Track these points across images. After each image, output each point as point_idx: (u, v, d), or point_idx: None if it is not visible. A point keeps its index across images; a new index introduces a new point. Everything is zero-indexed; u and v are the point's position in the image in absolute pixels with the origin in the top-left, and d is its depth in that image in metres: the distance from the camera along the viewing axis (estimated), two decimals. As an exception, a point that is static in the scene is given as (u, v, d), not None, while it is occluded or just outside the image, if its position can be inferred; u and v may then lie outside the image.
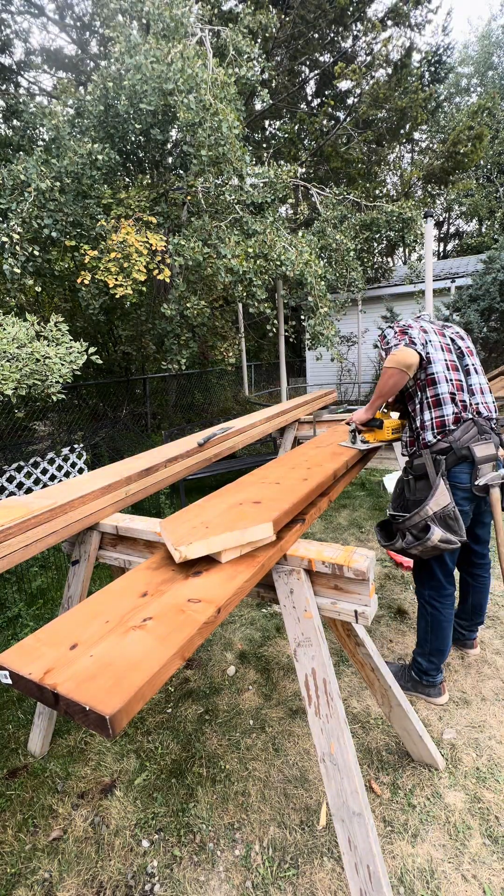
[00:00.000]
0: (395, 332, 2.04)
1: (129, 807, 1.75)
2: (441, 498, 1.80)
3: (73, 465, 4.73)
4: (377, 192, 11.44)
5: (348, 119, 11.16)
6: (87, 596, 1.93)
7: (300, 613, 1.34)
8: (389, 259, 14.86)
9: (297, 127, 11.31)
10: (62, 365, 3.12)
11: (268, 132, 12.39)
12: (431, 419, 1.93)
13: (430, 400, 1.95)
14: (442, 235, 20.23)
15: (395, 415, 2.36)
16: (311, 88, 12.40)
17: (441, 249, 20.15)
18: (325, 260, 7.13)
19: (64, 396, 3.27)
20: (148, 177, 5.91)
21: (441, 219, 19.68)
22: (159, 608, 1.05)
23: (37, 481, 4.34)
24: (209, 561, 1.27)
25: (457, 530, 1.80)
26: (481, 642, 2.47)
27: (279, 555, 1.34)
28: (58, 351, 3.15)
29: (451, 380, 1.94)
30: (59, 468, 4.56)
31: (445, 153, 10.79)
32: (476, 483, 1.87)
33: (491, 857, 1.49)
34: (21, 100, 5.59)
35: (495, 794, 1.68)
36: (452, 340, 2.06)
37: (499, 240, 10.81)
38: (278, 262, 5.04)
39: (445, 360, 1.97)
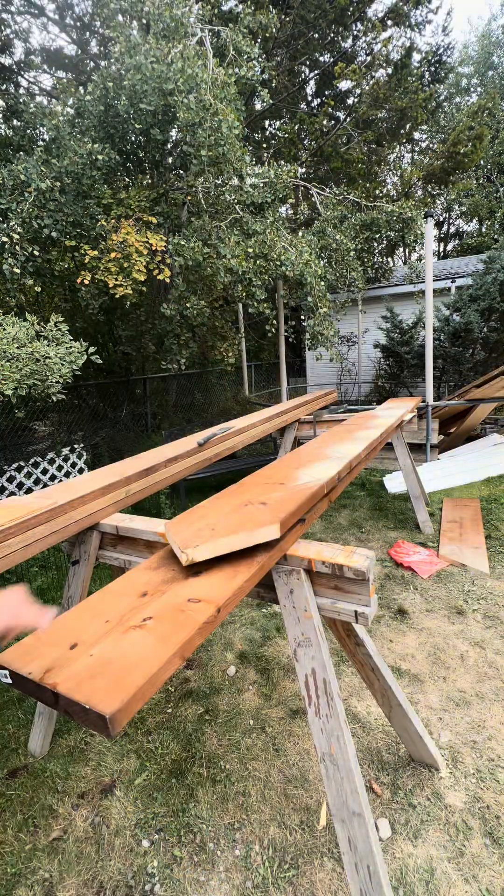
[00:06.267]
0: None
1: (129, 807, 1.75)
2: None
3: (73, 465, 4.73)
4: (377, 192, 11.43)
5: (348, 119, 11.16)
6: (87, 596, 1.93)
7: (300, 613, 1.34)
8: (389, 259, 14.84)
9: (297, 127, 11.31)
10: (62, 365, 3.12)
11: (268, 132, 12.38)
12: None
13: None
14: (442, 235, 20.22)
15: None
16: (311, 88, 12.39)
17: (441, 249, 20.15)
18: (325, 260, 7.13)
19: (64, 396, 3.27)
20: (148, 177, 5.91)
21: (441, 219, 19.68)
22: (159, 608, 1.05)
23: (37, 481, 4.34)
24: (209, 560, 1.26)
25: None
26: (482, 642, 2.47)
27: (279, 555, 1.34)
28: (58, 351, 3.15)
29: None
30: (59, 468, 4.56)
31: (445, 153, 10.79)
32: None
33: (491, 857, 1.48)
34: (21, 100, 5.59)
35: (495, 794, 1.68)
36: None
37: (499, 240, 10.80)
38: (278, 263, 5.04)
39: None
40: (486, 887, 1.40)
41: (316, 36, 10.42)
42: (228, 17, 8.73)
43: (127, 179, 5.66)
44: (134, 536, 1.72)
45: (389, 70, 10.79)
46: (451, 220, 20.12)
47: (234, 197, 5.42)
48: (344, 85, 11.10)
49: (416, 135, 14.79)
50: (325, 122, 11.00)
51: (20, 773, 1.94)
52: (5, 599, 0.87)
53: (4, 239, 3.86)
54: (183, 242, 4.69)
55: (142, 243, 4.41)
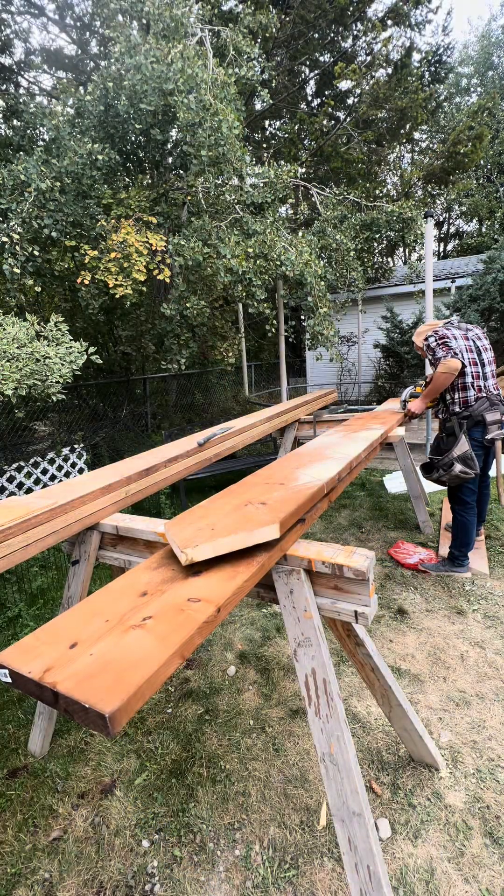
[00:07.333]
0: (438, 345, 2.86)
1: (129, 807, 1.75)
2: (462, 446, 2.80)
3: (73, 465, 4.73)
4: (377, 192, 11.43)
5: (348, 119, 11.16)
6: (87, 596, 1.93)
7: (300, 613, 1.34)
8: (389, 259, 14.86)
9: (297, 127, 11.30)
10: (62, 365, 3.12)
11: (268, 132, 12.38)
12: (459, 398, 2.90)
13: (458, 385, 2.89)
14: (442, 235, 20.22)
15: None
16: (311, 88, 12.39)
17: (441, 249, 20.15)
18: (325, 260, 7.13)
19: (64, 396, 3.27)
20: (148, 177, 5.91)
21: (441, 219, 19.68)
22: (159, 607, 1.05)
23: (37, 481, 4.34)
24: (209, 560, 1.26)
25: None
26: (482, 642, 2.47)
27: (279, 555, 1.34)
28: (58, 351, 3.15)
29: (472, 372, 2.87)
30: (59, 468, 4.56)
31: (445, 153, 10.78)
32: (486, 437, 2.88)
33: (491, 857, 1.48)
34: (21, 100, 5.59)
35: (495, 794, 1.68)
36: (473, 342, 2.92)
37: (499, 240, 10.80)
38: (278, 262, 5.04)
39: (469, 358, 2.88)
40: (487, 887, 1.40)
41: (316, 36, 10.41)
42: (228, 17, 8.73)
43: (127, 179, 5.66)
44: (134, 536, 1.72)
45: (389, 70, 10.79)
46: (451, 220, 20.11)
47: (234, 197, 5.42)
48: (344, 85, 11.09)
49: (416, 135, 14.78)
50: (325, 122, 10.99)
51: (20, 773, 1.94)
52: None
53: (4, 239, 3.86)
54: (183, 242, 4.68)
55: (142, 243, 4.41)
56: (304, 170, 11.14)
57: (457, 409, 2.88)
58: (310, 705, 1.31)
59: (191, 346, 5.58)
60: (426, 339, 2.97)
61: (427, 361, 3.04)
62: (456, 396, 2.89)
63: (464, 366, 2.82)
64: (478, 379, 2.86)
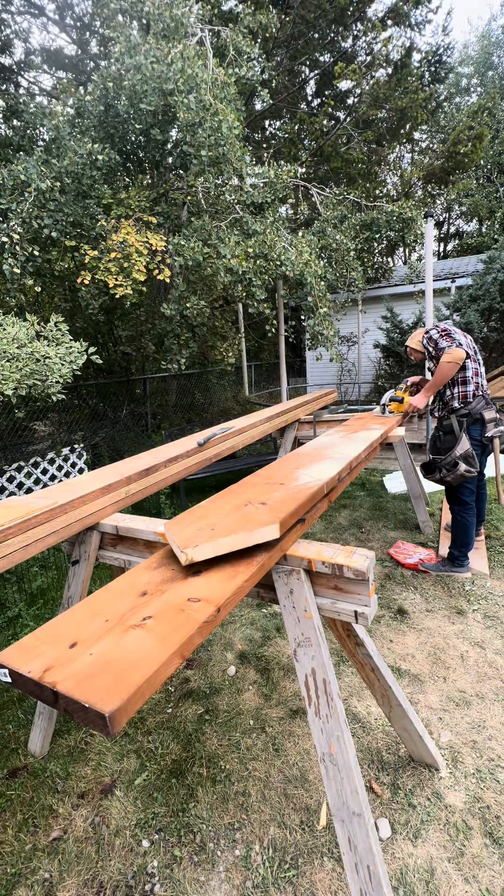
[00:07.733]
0: (441, 336, 2.90)
1: (129, 807, 1.75)
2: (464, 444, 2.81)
3: (73, 465, 4.73)
4: (377, 192, 11.43)
5: (348, 119, 11.16)
6: (87, 596, 1.93)
7: (300, 614, 1.33)
8: (389, 259, 14.85)
9: (297, 127, 11.30)
10: (62, 365, 3.13)
11: (268, 132, 12.38)
12: (458, 393, 2.90)
13: (458, 380, 2.90)
14: (442, 235, 20.22)
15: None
16: (311, 88, 12.39)
17: (441, 249, 20.14)
18: (325, 260, 7.13)
19: (64, 396, 3.27)
20: (148, 177, 5.91)
21: (441, 219, 19.67)
22: (159, 607, 1.05)
23: (37, 481, 4.34)
24: (209, 560, 1.26)
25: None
26: (482, 642, 2.47)
27: (279, 555, 1.34)
28: (58, 351, 3.15)
29: (472, 367, 2.89)
30: (59, 468, 4.56)
31: (445, 153, 10.78)
32: (485, 435, 2.89)
33: (491, 857, 1.48)
34: (21, 100, 5.59)
35: (495, 794, 1.68)
36: (469, 341, 2.97)
37: (499, 240, 10.80)
38: (278, 263, 5.04)
39: (470, 355, 2.91)
40: (486, 887, 1.40)
41: (316, 36, 10.41)
42: (228, 17, 8.73)
43: (127, 179, 5.66)
44: (134, 536, 1.72)
45: (389, 70, 10.80)
46: (451, 220, 20.11)
47: (234, 197, 5.42)
48: (344, 85, 11.10)
49: (416, 135, 14.78)
50: (325, 122, 11.00)
51: (20, 773, 1.94)
52: None
53: (4, 239, 3.86)
54: (183, 242, 4.68)
55: (142, 243, 4.41)
56: (304, 170, 11.14)
57: (456, 404, 2.89)
58: (310, 705, 1.31)
59: (191, 346, 5.58)
60: (427, 332, 3.00)
61: (427, 356, 3.07)
62: (455, 391, 2.90)
63: (467, 356, 2.84)
64: (477, 376, 2.89)
